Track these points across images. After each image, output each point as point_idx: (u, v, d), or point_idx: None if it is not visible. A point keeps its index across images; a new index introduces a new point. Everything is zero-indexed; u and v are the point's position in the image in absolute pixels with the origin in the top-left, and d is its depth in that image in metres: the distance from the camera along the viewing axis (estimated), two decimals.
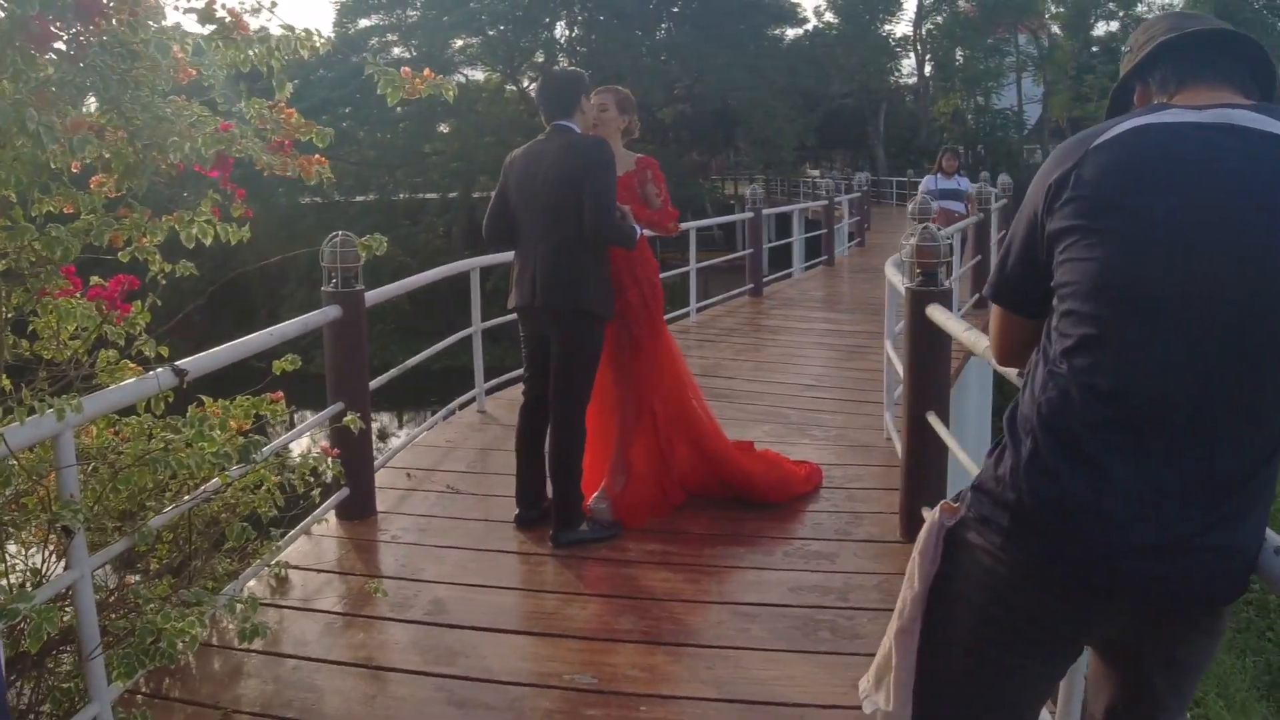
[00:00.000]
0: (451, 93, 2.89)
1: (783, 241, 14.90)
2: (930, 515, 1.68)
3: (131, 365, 3.29)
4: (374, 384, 4.36)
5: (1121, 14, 43.24)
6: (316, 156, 3.30)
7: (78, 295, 2.90)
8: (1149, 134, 1.45)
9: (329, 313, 3.94)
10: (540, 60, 34.60)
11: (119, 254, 3.10)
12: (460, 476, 4.72)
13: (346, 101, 31.58)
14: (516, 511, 4.03)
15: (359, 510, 4.15)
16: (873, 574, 3.55)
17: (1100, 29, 44.14)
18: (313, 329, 3.83)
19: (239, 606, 3.05)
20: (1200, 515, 1.38)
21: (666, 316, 9.22)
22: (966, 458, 3.20)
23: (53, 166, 2.49)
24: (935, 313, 3.63)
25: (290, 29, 2.62)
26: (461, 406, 6.06)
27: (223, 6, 2.53)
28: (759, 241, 10.88)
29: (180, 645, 2.40)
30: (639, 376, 4.05)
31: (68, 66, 2.23)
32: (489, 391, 6.14)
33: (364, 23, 34.47)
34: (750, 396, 6.39)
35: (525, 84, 35.33)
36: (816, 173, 40.58)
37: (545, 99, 3.84)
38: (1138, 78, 1.64)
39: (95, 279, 3.11)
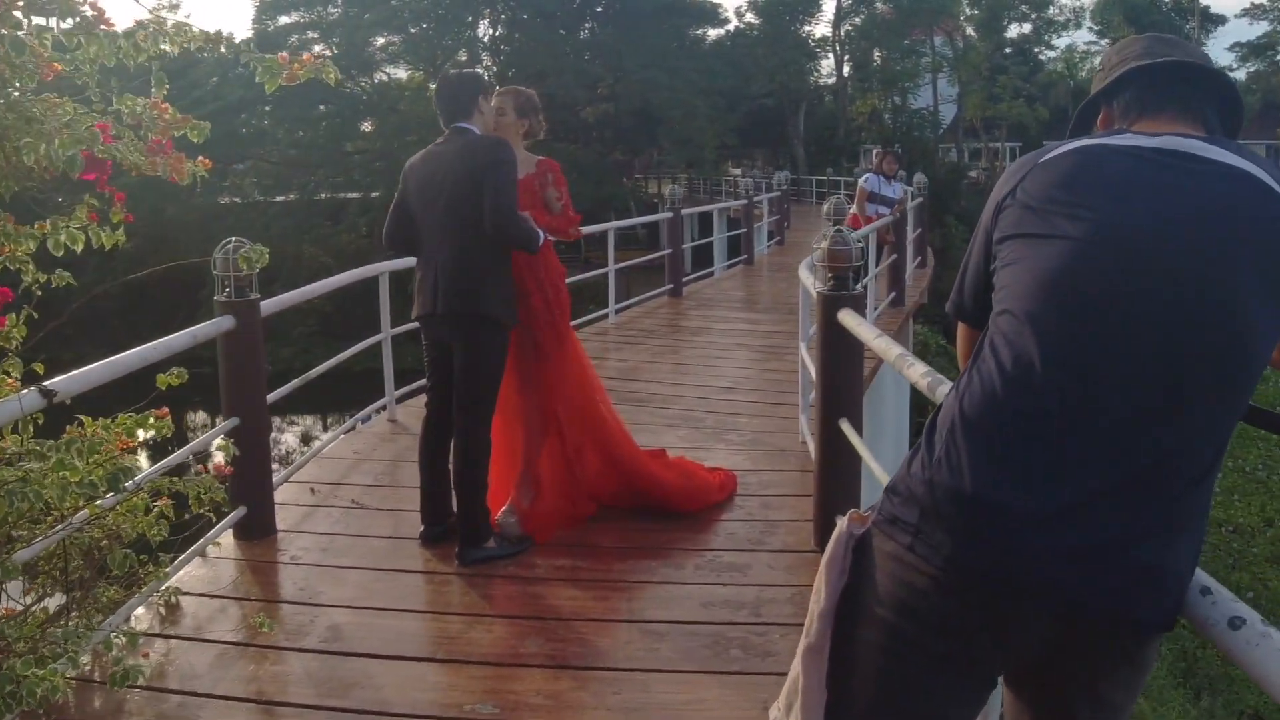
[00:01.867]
0: (333, 76, 2.74)
1: (704, 240, 14.91)
2: (839, 524, 1.60)
3: (10, 380, 3.10)
4: (273, 396, 4.18)
5: (1034, 16, 44.44)
6: (201, 159, 3.14)
7: None
8: (1093, 152, 1.48)
9: (221, 324, 3.75)
10: (463, 59, 34.25)
11: None
12: (366, 490, 4.56)
13: (266, 99, 30.87)
14: (421, 528, 3.89)
15: (257, 530, 3.97)
16: (785, 586, 3.49)
17: (1013, 31, 45.35)
18: (204, 340, 3.63)
19: (118, 644, 2.88)
20: (1127, 524, 1.33)
21: (587, 318, 9.11)
22: (879, 467, 3.16)
23: None
24: (846, 318, 3.59)
25: (159, 23, 2.44)
26: (379, 411, 5.88)
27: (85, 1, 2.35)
28: (678, 241, 10.84)
29: (40, 693, 2.23)
30: (544, 385, 3.94)
31: None
32: (403, 398, 5.96)
33: (284, 20, 33.73)
34: (666, 400, 6.32)
35: None
36: (738, 172, 40.88)
37: (443, 101, 3.72)
38: (1104, 99, 1.65)
39: None
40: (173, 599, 3.41)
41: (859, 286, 3.85)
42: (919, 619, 1.44)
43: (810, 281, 4.43)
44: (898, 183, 9.93)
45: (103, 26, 2.38)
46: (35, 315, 3.17)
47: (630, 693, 2.81)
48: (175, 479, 3.25)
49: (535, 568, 3.69)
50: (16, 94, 2.66)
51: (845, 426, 3.61)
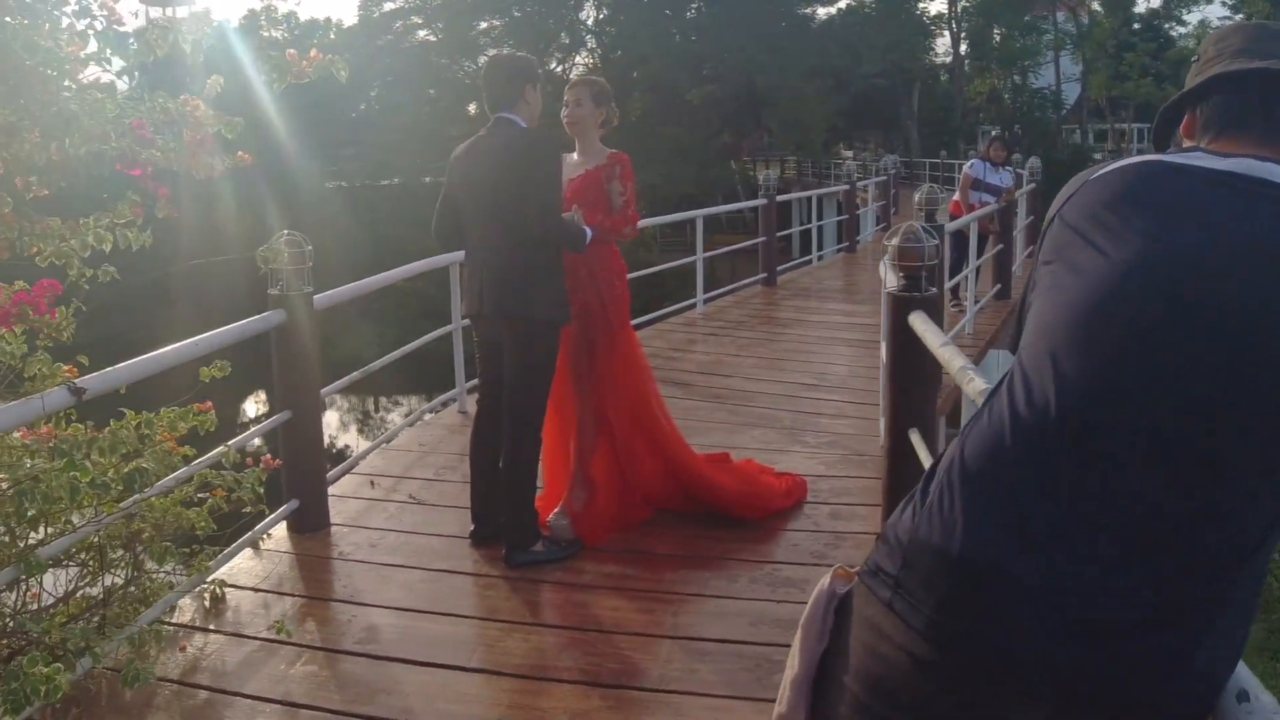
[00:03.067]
0: (343, 73, 2.65)
1: (803, 227, 14.60)
2: (821, 581, 1.40)
3: (65, 369, 3.12)
4: (328, 389, 4.14)
5: None
6: (240, 153, 3.10)
7: None
8: (1150, 168, 1.26)
9: (272, 318, 3.71)
10: (566, 42, 34.31)
11: (36, 259, 2.93)
12: (426, 485, 4.50)
13: (372, 84, 31.55)
14: (472, 528, 3.79)
15: (311, 523, 3.94)
16: None
17: (1141, 5, 43.06)
18: (252, 335, 3.59)
19: (151, 637, 2.87)
20: (1148, 601, 1.10)
21: (673, 307, 8.89)
22: None
23: None
24: (916, 321, 3.34)
25: (157, 24, 2.38)
26: (446, 404, 5.85)
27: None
28: (773, 229, 10.53)
29: (44, 691, 2.19)
30: (596, 385, 3.79)
31: None
32: (475, 389, 5.89)
33: (389, 5, 34.37)
34: (746, 397, 6.09)
35: (553, 65, 35.06)
36: (850, 154, 40.09)
37: (489, 87, 3.54)
38: (1189, 103, 1.40)
39: (20, 283, 2.95)
40: (219, 591, 3.40)
41: (933, 289, 3.58)
42: (892, 699, 1.24)
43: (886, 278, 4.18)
44: (1006, 170, 9.37)
45: (115, 26, 2.33)
46: (84, 308, 3.20)
47: (662, 716, 2.66)
48: (219, 472, 3.23)
49: (583, 573, 3.56)
50: (66, 92, 2.65)
51: (915, 438, 3.37)
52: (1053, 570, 1.12)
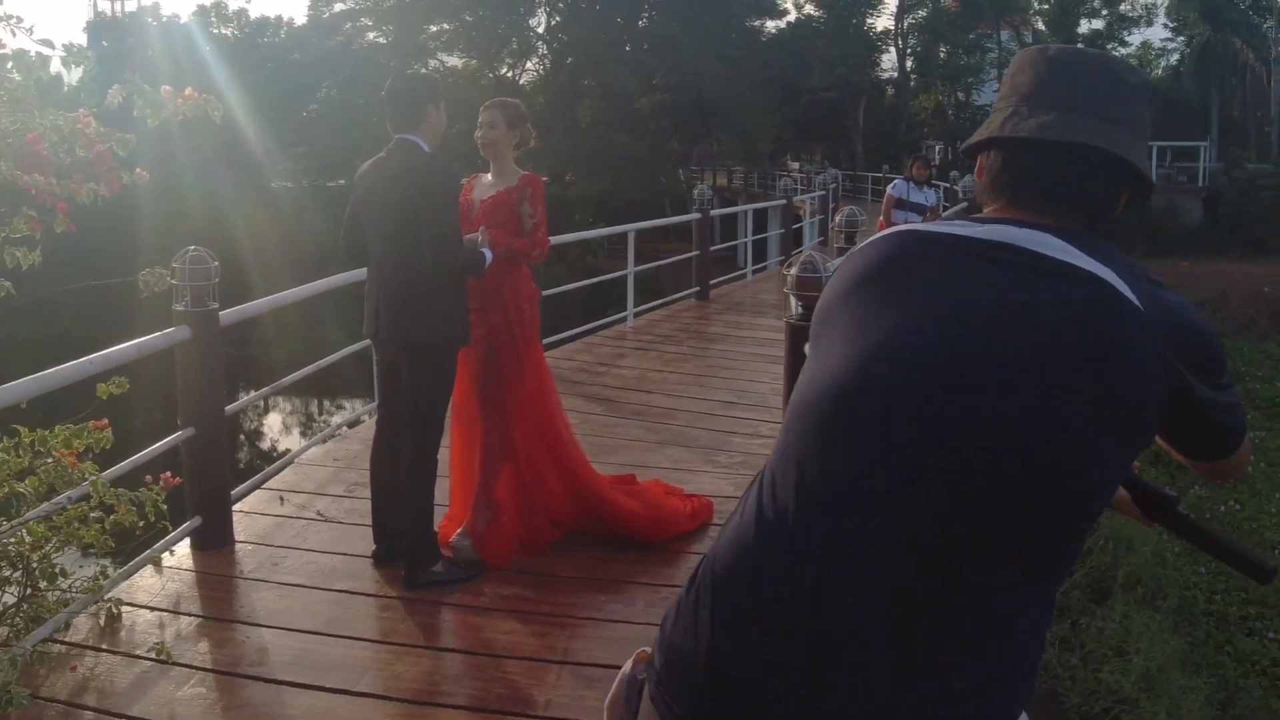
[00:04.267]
0: (218, 113, 2.68)
1: (740, 240, 14.80)
2: (625, 665, 1.39)
3: None
4: (233, 407, 4.13)
5: (1105, 12, 43.20)
6: (140, 171, 3.11)
7: None
8: (906, 240, 1.22)
9: (176, 334, 3.70)
10: (517, 47, 34.25)
11: None
12: (336, 501, 4.49)
13: (321, 84, 31.35)
14: (374, 547, 3.81)
15: (214, 540, 3.92)
16: None
17: (1084, 26, 44.04)
18: (151, 352, 3.58)
19: (36, 655, 2.86)
20: (904, 699, 1.08)
21: (601, 321, 8.94)
22: None
23: None
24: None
25: (22, 53, 2.39)
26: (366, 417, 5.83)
27: None
28: (706, 243, 10.64)
29: None
30: (503, 406, 3.82)
31: None
32: None
33: (339, 6, 34.11)
34: (666, 414, 6.14)
35: (504, 71, 34.98)
36: (797, 165, 40.50)
37: (389, 107, 3.52)
38: (979, 150, 1.31)
39: None
40: (114, 610, 3.38)
41: None
42: None
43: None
44: (930, 189, 9.55)
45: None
46: None
47: None
48: (115, 490, 3.21)
49: (482, 595, 3.59)
50: None
51: None
52: (801, 678, 1.11)
